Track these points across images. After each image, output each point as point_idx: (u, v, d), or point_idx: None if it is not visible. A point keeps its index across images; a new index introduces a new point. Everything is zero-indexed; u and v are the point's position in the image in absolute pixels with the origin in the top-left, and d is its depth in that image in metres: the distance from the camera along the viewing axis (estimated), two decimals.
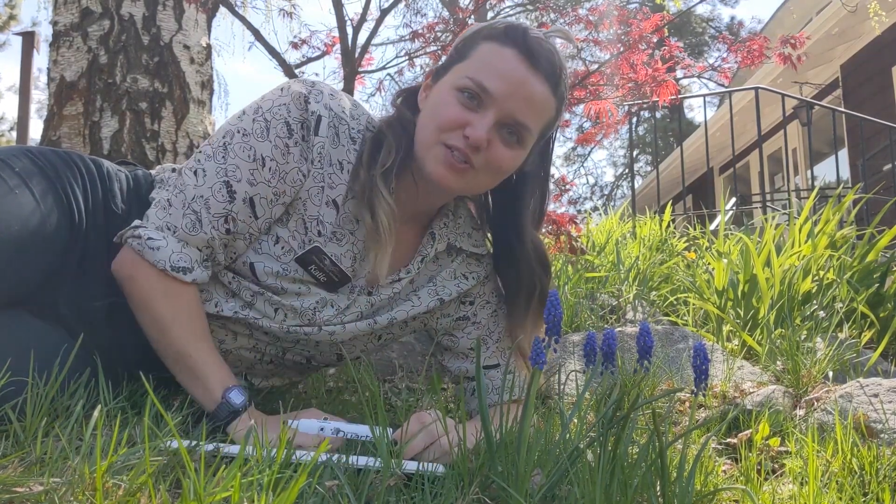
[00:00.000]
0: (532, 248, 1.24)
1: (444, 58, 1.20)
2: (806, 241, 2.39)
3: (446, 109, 1.09)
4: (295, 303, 1.15)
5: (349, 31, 3.14)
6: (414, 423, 0.99)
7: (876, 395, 1.37)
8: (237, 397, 1.01)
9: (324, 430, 0.98)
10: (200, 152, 1.13)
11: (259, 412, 1.04)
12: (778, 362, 1.77)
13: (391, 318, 1.23)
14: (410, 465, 0.86)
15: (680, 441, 0.94)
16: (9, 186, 1.03)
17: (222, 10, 3.27)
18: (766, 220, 2.74)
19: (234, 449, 0.83)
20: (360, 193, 1.11)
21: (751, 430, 1.31)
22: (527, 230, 1.24)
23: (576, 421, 0.99)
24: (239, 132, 1.10)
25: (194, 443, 0.85)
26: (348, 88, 3.05)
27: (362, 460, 0.85)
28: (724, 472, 1.17)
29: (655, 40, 3.22)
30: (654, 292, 2.76)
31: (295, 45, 3.64)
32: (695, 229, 3.76)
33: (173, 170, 1.25)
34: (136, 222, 1.09)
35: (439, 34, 3.35)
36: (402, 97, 1.22)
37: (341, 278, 1.16)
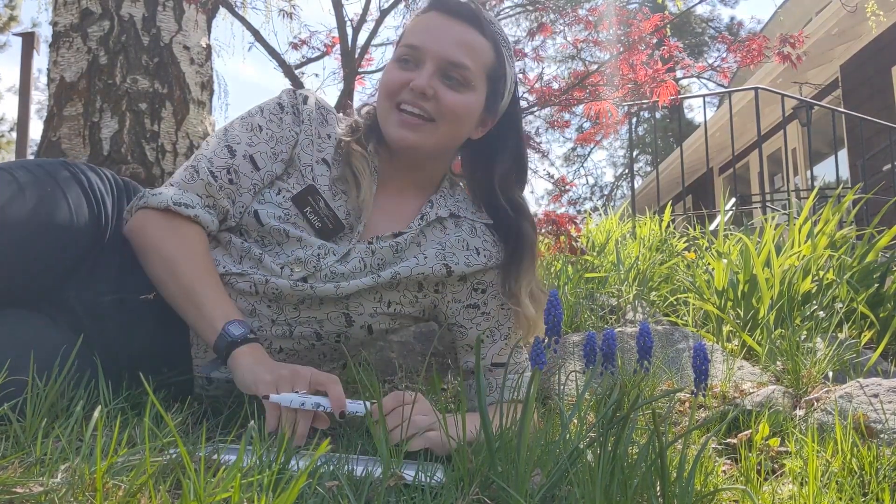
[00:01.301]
0: (507, 200, 1.33)
1: None
2: (806, 242, 2.39)
3: (390, 76, 1.24)
4: (299, 252, 1.21)
5: (349, 31, 3.14)
6: (389, 400, 1.02)
7: (876, 396, 1.37)
8: (237, 329, 1.05)
9: (304, 405, 0.97)
10: (204, 141, 1.28)
11: (261, 348, 1.07)
12: (778, 362, 1.77)
13: (395, 272, 1.26)
14: (409, 473, 0.85)
15: (680, 441, 0.94)
16: (42, 184, 1.10)
17: (222, 10, 3.27)
18: (765, 220, 2.74)
19: (232, 456, 0.83)
20: (342, 159, 1.26)
21: (751, 431, 1.31)
22: (498, 185, 1.33)
23: (576, 421, 0.99)
24: (237, 119, 1.27)
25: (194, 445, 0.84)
26: (348, 89, 3.05)
27: (360, 467, 0.85)
28: (724, 472, 1.17)
29: (655, 41, 3.22)
30: (654, 292, 2.76)
31: (295, 46, 3.65)
32: (694, 229, 3.76)
33: None
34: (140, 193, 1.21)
35: None
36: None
37: (336, 225, 1.25)
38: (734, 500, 1.02)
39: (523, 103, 3.17)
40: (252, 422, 0.88)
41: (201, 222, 1.18)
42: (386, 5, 3.25)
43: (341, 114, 1.36)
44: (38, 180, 1.09)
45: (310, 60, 3.68)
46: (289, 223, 1.22)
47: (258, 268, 1.21)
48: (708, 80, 15.11)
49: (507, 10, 3.98)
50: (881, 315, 2.14)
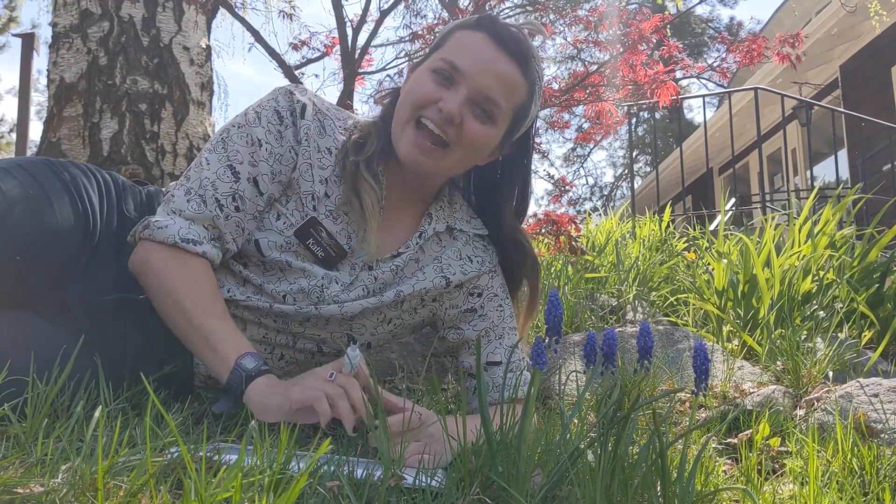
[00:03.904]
0: (509, 237, 1.33)
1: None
2: (806, 242, 2.39)
3: (421, 87, 1.17)
4: (302, 282, 1.19)
5: (349, 32, 3.14)
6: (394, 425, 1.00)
7: (876, 395, 1.37)
8: (250, 362, 1.01)
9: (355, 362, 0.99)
10: (202, 150, 1.21)
11: (275, 377, 1.03)
12: (778, 362, 1.77)
13: (398, 291, 1.26)
14: (408, 478, 0.85)
15: (680, 441, 0.94)
16: (25, 188, 1.08)
17: (222, 11, 3.27)
18: (765, 220, 2.74)
19: (233, 456, 0.82)
20: (347, 181, 1.19)
21: (751, 430, 1.31)
22: (503, 219, 1.33)
23: (576, 421, 0.99)
24: (234, 126, 1.20)
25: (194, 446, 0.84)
26: (348, 89, 3.05)
27: (361, 468, 0.85)
28: (725, 472, 1.17)
29: (655, 41, 3.22)
30: (654, 293, 2.76)
31: (295, 47, 3.65)
32: (694, 230, 3.76)
33: None
34: (144, 219, 1.15)
35: None
36: (386, 94, 1.31)
37: (338, 253, 1.21)
38: (735, 500, 1.02)
39: None
40: (253, 422, 0.87)
41: (208, 258, 1.13)
42: (386, 6, 3.25)
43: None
44: (20, 183, 1.08)
45: (310, 61, 3.68)
46: (290, 252, 1.19)
47: (260, 294, 1.19)
48: (707, 80, 15.10)
49: (507, 11, 3.98)
50: (881, 315, 2.14)
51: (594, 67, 3.48)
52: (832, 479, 1.05)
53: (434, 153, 1.17)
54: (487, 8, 3.28)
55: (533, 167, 1.40)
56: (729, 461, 1.24)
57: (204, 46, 3.02)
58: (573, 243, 2.79)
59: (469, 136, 1.17)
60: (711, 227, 3.82)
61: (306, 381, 0.99)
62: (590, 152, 21.14)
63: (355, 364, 0.98)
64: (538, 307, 1.41)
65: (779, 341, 1.84)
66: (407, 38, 3.88)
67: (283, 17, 3.75)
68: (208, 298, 1.09)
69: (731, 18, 21.23)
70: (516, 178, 1.33)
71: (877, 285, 2.22)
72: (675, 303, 2.56)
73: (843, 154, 8.03)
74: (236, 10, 3.18)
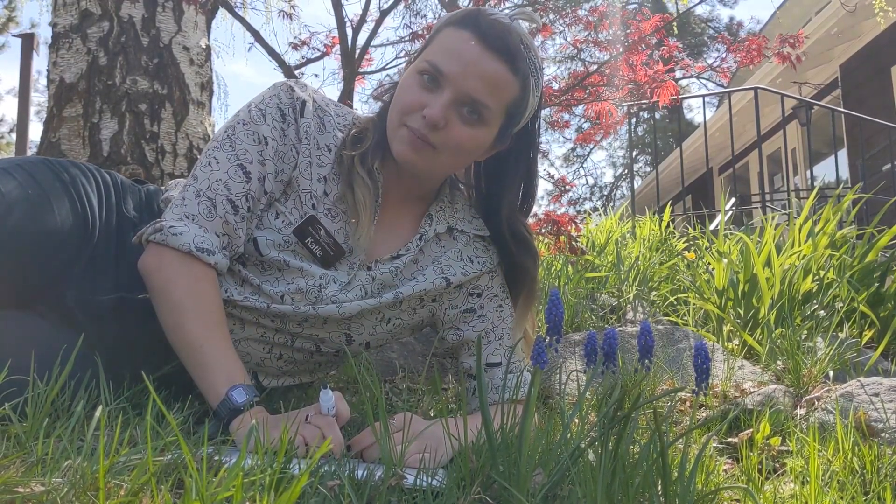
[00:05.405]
0: (509, 228, 1.30)
1: None
2: (806, 241, 2.39)
3: (407, 93, 1.16)
4: (300, 282, 1.19)
5: (349, 32, 3.14)
6: (367, 434, 1.00)
7: (876, 395, 1.37)
8: (240, 396, 1.00)
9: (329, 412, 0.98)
10: (207, 148, 1.20)
11: (263, 411, 1.03)
12: (778, 362, 1.77)
13: (397, 293, 1.25)
14: (409, 479, 0.85)
15: (681, 440, 0.94)
16: (24, 188, 1.08)
17: (222, 11, 3.27)
18: (765, 220, 2.74)
19: (234, 456, 0.83)
20: (343, 176, 1.19)
21: (752, 430, 1.31)
22: (503, 207, 1.30)
23: (577, 420, 0.99)
24: (239, 123, 1.19)
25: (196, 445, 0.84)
26: (348, 89, 3.05)
27: (361, 468, 0.85)
28: (726, 471, 1.17)
29: (654, 41, 3.23)
30: (654, 292, 2.76)
31: (295, 47, 3.65)
32: (694, 229, 3.76)
33: None
34: (154, 221, 1.13)
35: None
36: (385, 91, 1.30)
37: (337, 251, 1.21)
38: (735, 500, 1.02)
39: None
40: (254, 421, 0.87)
41: (218, 269, 1.12)
42: (386, 6, 3.25)
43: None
44: (20, 183, 1.07)
45: (310, 61, 3.69)
46: (288, 251, 1.19)
47: (258, 294, 1.19)
48: (707, 80, 15.12)
49: (506, 12, 3.98)
50: (881, 314, 2.14)
51: (594, 67, 3.48)
52: (833, 479, 1.05)
53: (424, 150, 1.15)
54: (489, 4, 3.28)
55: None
56: (730, 460, 1.24)
57: (204, 46, 3.02)
58: (573, 243, 2.79)
59: (455, 140, 1.15)
60: (711, 227, 3.82)
61: (287, 423, 0.98)
62: (590, 152, 21.16)
63: (330, 407, 0.98)
64: (536, 303, 1.39)
65: (779, 341, 1.84)
66: (407, 38, 3.88)
67: (283, 16, 3.75)
68: (211, 317, 1.08)
69: (731, 18, 21.27)
70: (520, 169, 1.30)
71: (877, 285, 2.22)
72: (675, 302, 2.56)
73: (843, 154, 8.03)
74: (236, 10, 3.18)
